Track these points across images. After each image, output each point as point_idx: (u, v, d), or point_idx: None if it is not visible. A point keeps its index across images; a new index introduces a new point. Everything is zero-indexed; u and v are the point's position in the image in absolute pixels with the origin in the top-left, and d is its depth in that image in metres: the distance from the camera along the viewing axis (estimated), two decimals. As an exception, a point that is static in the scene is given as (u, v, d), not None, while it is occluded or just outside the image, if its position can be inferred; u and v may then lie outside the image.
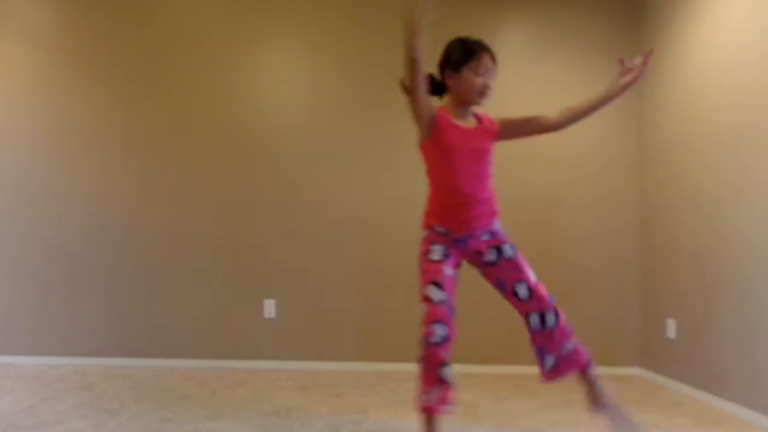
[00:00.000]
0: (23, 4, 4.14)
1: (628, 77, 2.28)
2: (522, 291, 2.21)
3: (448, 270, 2.13)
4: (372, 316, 4.00)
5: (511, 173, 4.09)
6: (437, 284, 2.09)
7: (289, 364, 3.99)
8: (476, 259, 2.26)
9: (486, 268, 2.26)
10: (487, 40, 4.07)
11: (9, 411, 2.80)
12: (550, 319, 2.20)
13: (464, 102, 2.20)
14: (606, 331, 4.03)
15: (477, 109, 2.29)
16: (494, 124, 2.28)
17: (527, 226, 4.09)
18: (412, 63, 2.04)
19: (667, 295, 3.72)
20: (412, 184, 4.08)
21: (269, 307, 4.03)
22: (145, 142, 4.09)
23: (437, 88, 2.24)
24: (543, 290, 2.25)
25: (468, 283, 4.04)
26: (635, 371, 4.01)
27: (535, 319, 2.21)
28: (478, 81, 2.16)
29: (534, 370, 3.98)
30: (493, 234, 2.26)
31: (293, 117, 4.12)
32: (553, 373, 2.30)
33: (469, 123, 2.23)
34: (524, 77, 4.15)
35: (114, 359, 3.97)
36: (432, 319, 2.04)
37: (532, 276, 2.25)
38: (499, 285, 2.26)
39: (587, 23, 4.16)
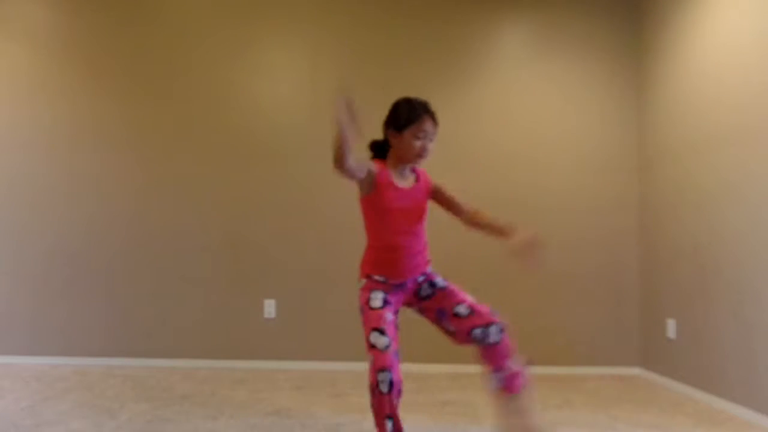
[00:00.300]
0: (23, 4, 4.14)
1: (517, 252, 2.20)
2: (462, 309, 2.25)
3: (389, 315, 2.17)
4: (372, 316, 4.00)
5: (513, 175, 4.10)
6: (381, 331, 2.12)
7: (289, 364, 3.98)
8: (414, 298, 2.33)
9: (424, 303, 2.32)
10: (487, 40, 4.14)
11: (9, 411, 2.80)
12: (494, 333, 2.20)
13: (403, 161, 2.25)
14: (606, 331, 4.04)
15: (417, 165, 2.31)
16: (430, 183, 2.34)
17: (528, 226, 4.09)
18: (341, 167, 2.02)
19: (667, 295, 3.72)
20: (412, 184, 4.09)
21: (269, 307, 4.03)
22: (145, 142, 4.09)
23: (380, 150, 2.31)
24: (485, 307, 2.26)
25: (467, 285, 4.05)
26: (635, 371, 4.01)
27: (477, 332, 2.22)
28: (418, 144, 2.20)
29: (534, 370, 4.00)
30: (427, 275, 2.35)
31: (293, 117, 4.12)
32: (497, 391, 2.31)
33: (408, 181, 2.28)
34: (524, 77, 4.15)
35: (114, 359, 3.97)
36: (379, 367, 2.07)
37: (470, 298, 2.28)
38: (441, 314, 2.30)
39: (587, 23, 4.16)
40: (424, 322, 4.07)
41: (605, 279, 4.07)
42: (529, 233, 2.18)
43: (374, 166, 2.21)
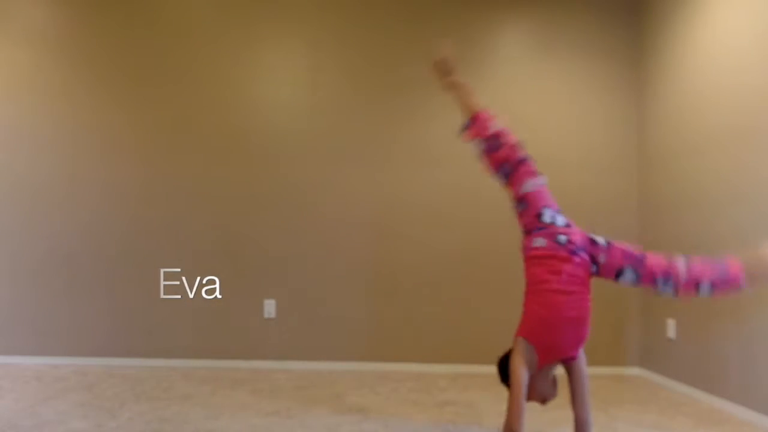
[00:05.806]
0: (24, 4, 4.13)
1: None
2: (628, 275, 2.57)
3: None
4: (372, 316, 4.01)
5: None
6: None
7: (289, 364, 3.98)
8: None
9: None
10: (488, 40, 4.14)
11: (9, 411, 2.80)
12: (664, 286, 2.48)
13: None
14: (606, 331, 4.03)
15: None
16: None
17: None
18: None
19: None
20: (411, 184, 4.08)
21: (269, 307, 4.03)
22: (145, 142, 4.09)
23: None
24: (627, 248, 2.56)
25: (467, 285, 4.06)
26: (635, 371, 4.01)
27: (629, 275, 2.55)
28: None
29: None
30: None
31: (293, 117, 4.12)
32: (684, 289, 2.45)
33: None
34: (524, 77, 4.15)
35: (114, 359, 3.97)
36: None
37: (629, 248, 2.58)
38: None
39: (587, 23, 4.16)
40: (425, 322, 4.07)
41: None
42: None
43: None
